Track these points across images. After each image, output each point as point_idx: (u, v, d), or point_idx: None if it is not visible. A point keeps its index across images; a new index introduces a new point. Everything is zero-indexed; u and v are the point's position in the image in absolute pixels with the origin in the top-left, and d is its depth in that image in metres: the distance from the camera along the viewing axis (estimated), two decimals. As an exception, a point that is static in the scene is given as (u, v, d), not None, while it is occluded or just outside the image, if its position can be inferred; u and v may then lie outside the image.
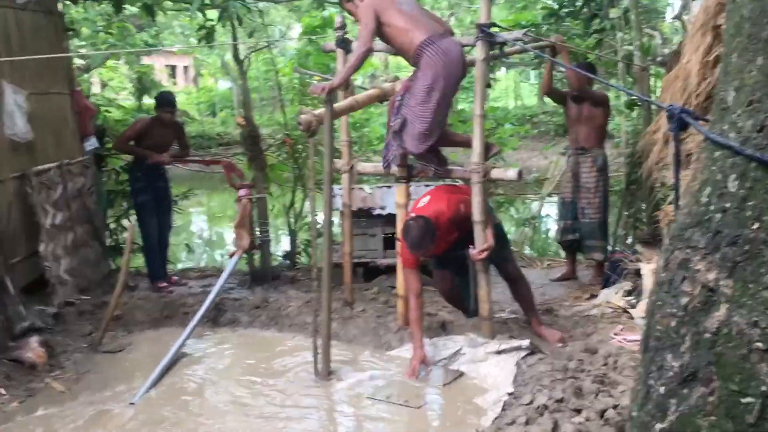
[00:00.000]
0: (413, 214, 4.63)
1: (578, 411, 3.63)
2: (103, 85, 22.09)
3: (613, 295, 5.58)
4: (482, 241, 4.58)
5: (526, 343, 4.52)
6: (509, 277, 5.03)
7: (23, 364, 4.63)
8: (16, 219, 5.56)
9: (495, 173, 4.65)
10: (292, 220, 8.10)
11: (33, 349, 4.72)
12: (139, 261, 7.34)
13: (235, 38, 8.76)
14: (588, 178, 6.18)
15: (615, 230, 7.36)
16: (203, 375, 4.68)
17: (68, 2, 7.51)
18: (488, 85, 4.65)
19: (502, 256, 4.93)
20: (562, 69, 7.42)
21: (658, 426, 1.81)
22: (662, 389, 1.80)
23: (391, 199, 6.52)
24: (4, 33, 5.64)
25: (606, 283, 5.92)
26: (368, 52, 4.57)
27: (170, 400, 4.29)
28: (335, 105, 4.59)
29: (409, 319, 4.68)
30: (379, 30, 4.55)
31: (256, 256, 6.79)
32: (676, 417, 1.74)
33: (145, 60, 23.98)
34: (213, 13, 8.37)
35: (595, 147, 6.20)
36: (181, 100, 30.83)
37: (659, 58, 8.21)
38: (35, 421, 4.03)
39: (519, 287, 5.02)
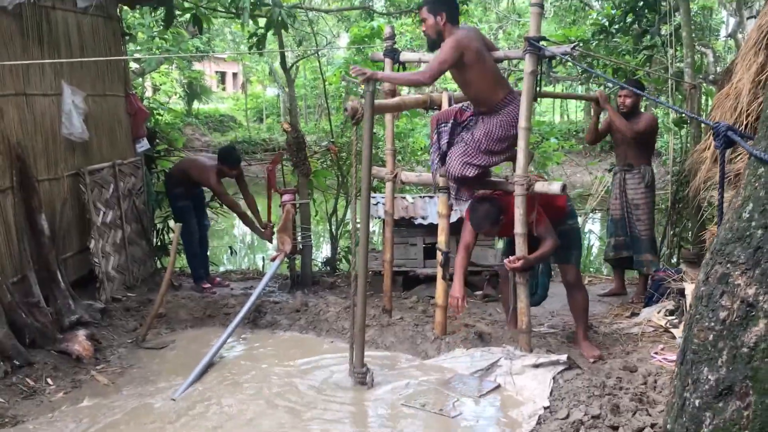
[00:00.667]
0: (488, 193, 4.83)
1: (615, 428, 3.62)
2: (155, 89, 22.61)
3: (655, 314, 5.51)
4: (520, 253, 4.59)
5: (563, 357, 4.50)
6: (567, 281, 5.01)
7: (70, 356, 4.79)
8: (69, 215, 5.75)
9: (539, 187, 4.64)
10: (333, 226, 8.18)
11: (80, 342, 4.88)
12: (183, 261, 7.51)
13: (281, 46, 8.90)
14: (635, 194, 6.13)
15: (660, 249, 7.26)
16: (242, 374, 4.76)
17: (126, 7, 7.74)
18: (535, 99, 4.64)
19: (566, 257, 4.95)
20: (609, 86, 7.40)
21: (693, 439, 1.81)
22: (697, 402, 1.80)
23: (432, 209, 6.55)
24: (65, 36, 5.85)
25: (648, 302, 5.85)
26: (424, 85, 4.65)
27: (209, 397, 4.37)
28: (383, 101, 4.65)
29: (455, 263, 4.91)
30: (459, 69, 4.53)
31: (297, 261, 6.88)
32: (711, 430, 1.74)
33: (196, 66, 24.50)
34: (264, 21, 8.53)
35: (643, 164, 6.15)
36: (229, 106, 31.48)
37: (711, 77, 8.09)
38: (81, 411, 4.15)
39: (575, 294, 5.00)
